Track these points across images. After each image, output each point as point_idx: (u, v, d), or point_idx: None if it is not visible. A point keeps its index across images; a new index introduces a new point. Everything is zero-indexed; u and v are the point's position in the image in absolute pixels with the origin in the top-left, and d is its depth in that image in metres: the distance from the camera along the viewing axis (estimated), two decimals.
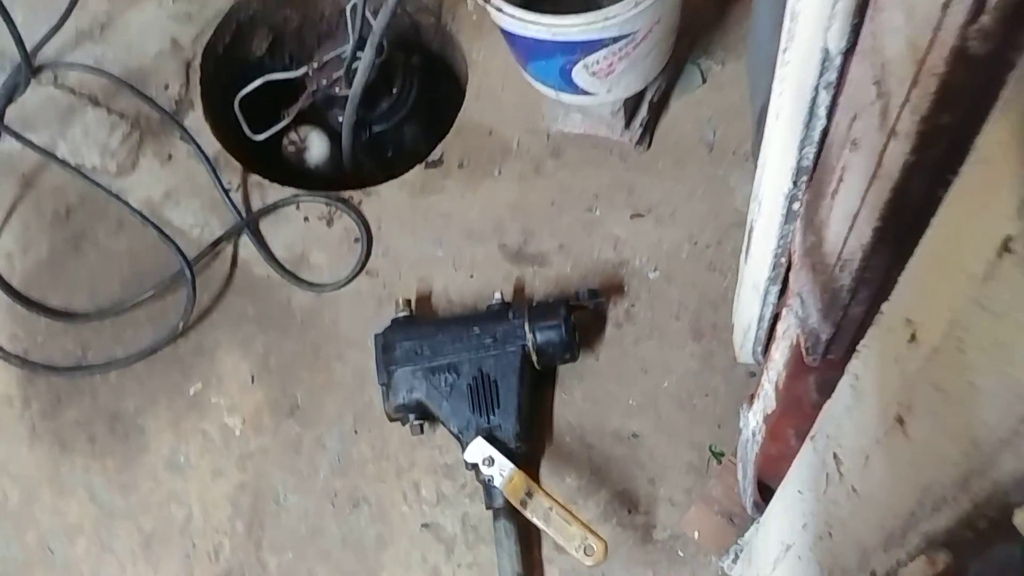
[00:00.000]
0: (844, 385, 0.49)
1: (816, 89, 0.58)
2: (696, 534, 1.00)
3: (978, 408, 0.33)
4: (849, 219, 0.48)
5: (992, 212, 0.28)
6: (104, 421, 1.14)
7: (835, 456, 0.50)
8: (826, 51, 0.55)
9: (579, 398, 1.08)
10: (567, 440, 1.07)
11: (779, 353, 0.68)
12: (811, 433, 0.55)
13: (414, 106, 1.35)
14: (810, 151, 0.63)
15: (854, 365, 0.47)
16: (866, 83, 0.45)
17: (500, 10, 0.91)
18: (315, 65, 1.30)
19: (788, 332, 0.64)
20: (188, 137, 1.25)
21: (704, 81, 1.19)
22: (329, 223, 1.21)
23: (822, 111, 0.58)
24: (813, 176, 0.61)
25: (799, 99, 0.61)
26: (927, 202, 0.37)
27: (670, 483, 1.03)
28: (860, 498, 0.49)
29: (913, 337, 0.38)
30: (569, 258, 1.14)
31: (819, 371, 0.60)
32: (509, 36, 0.99)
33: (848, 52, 0.51)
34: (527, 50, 0.99)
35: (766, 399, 0.73)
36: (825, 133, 0.58)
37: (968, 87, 0.35)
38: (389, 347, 1.06)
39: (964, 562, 0.39)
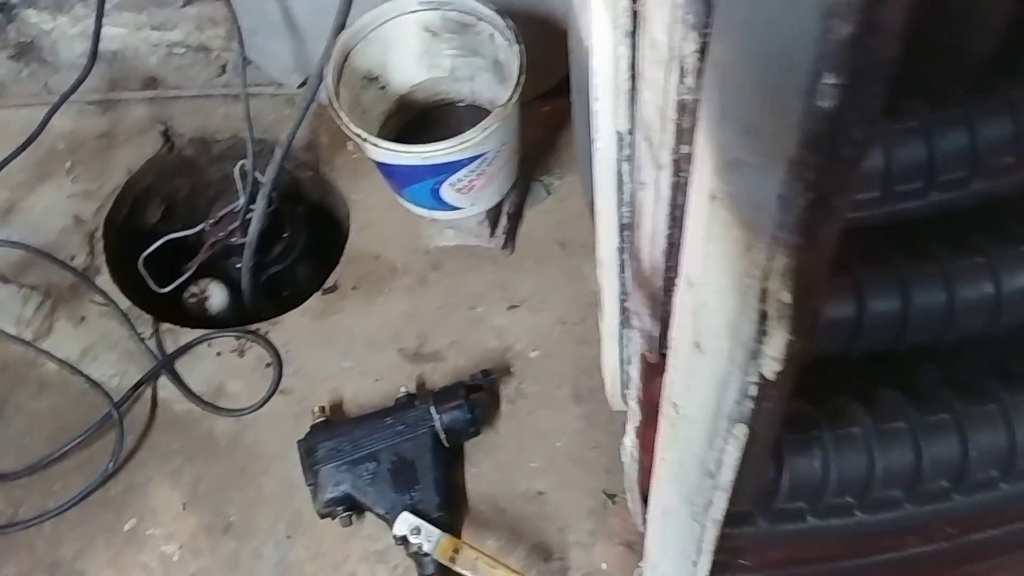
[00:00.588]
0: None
1: (619, 163, 0.81)
2: (604, 566, 1.14)
3: None
4: (651, 237, 0.68)
5: (705, 179, 0.49)
6: (44, 571, 1.20)
7: (674, 405, 0.68)
8: (619, 134, 0.77)
9: (487, 469, 1.23)
10: (482, 508, 1.21)
11: (633, 369, 0.87)
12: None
13: (305, 247, 1.53)
14: (626, 210, 0.85)
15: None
16: (642, 143, 0.67)
17: (377, 146, 1.12)
18: (211, 221, 1.47)
19: (635, 346, 0.83)
20: (100, 294, 1.37)
21: (549, 194, 1.43)
22: (241, 354, 1.35)
23: (626, 177, 0.80)
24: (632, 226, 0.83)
25: (610, 173, 0.83)
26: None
27: (576, 529, 1.19)
28: None
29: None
30: (461, 352, 1.31)
31: (661, 367, 0.80)
32: (385, 168, 1.20)
33: (631, 130, 0.74)
34: (402, 177, 1.20)
35: (632, 414, 0.92)
36: (632, 192, 0.79)
37: (690, 125, 0.56)
38: (312, 450, 1.19)
39: None
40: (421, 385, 1.29)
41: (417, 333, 1.33)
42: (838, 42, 0.36)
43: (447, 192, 1.19)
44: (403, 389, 1.24)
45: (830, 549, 0.84)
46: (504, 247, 1.37)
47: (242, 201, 1.41)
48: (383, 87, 1.27)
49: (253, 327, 1.37)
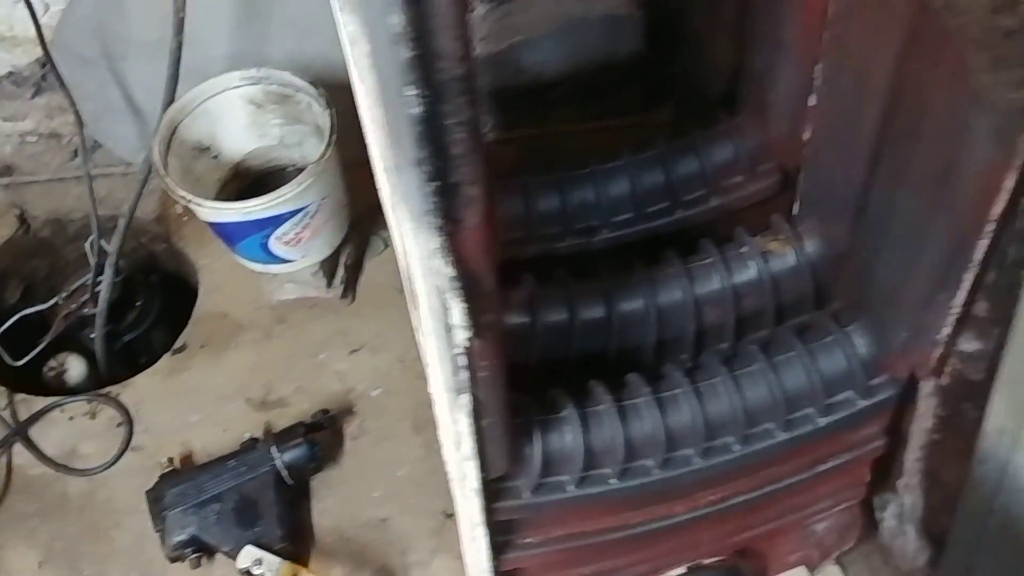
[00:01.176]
0: None
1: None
2: None
3: None
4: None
5: (384, 184, 0.62)
6: None
7: (431, 395, 0.80)
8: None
9: (332, 503, 1.32)
10: (328, 540, 1.29)
11: None
12: None
13: (159, 314, 1.61)
14: None
15: None
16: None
17: (201, 205, 1.23)
18: (64, 295, 1.55)
19: None
20: None
21: (386, 246, 1.56)
22: (92, 416, 1.41)
23: None
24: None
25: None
26: None
27: (418, 549, 1.28)
28: None
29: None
30: (306, 397, 1.41)
31: None
32: (216, 227, 1.31)
33: None
34: (232, 234, 1.31)
35: None
36: None
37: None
38: (159, 498, 1.26)
39: None
40: (267, 431, 1.37)
41: (263, 383, 1.43)
42: (406, 62, 0.50)
43: (275, 246, 1.31)
44: (247, 434, 1.32)
45: (600, 519, 0.96)
46: (344, 296, 1.48)
47: (92, 273, 1.49)
48: (215, 156, 1.39)
49: (104, 390, 1.44)
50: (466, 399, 0.73)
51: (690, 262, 1.00)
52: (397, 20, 0.48)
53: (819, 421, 0.93)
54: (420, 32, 0.49)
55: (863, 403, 0.93)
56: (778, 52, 0.99)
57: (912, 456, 1.06)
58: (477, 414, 0.75)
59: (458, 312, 0.65)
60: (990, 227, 0.75)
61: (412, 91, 0.52)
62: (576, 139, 1.64)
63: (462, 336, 0.67)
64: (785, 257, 1.00)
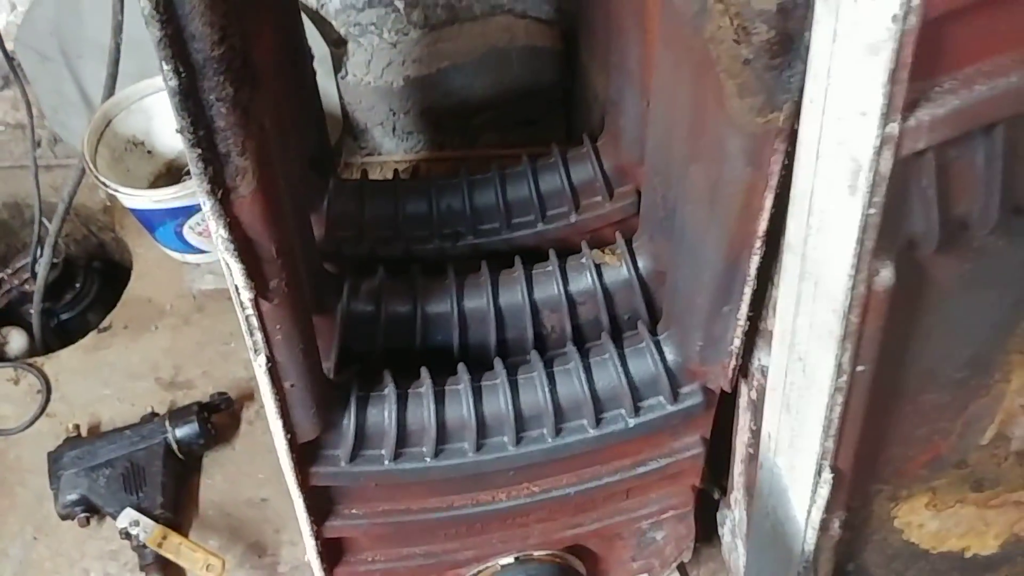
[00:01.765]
0: None
1: None
2: (306, 558, 1.31)
3: None
4: None
5: None
6: None
7: None
8: None
9: (220, 480, 1.41)
10: (210, 513, 1.37)
11: None
12: None
13: (97, 296, 1.72)
14: None
15: None
16: None
17: (117, 191, 1.34)
18: (9, 271, 1.66)
19: None
20: None
21: None
22: (16, 383, 1.52)
23: None
24: None
25: None
26: None
27: (291, 529, 1.35)
28: None
29: None
30: (211, 380, 1.50)
31: None
32: (135, 213, 1.42)
33: None
34: (148, 221, 1.42)
35: None
36: None
37: None
38: (58, 459, 1.35)
39: None
40: (170, 408, 1.46)
41: (174, 365, 1.52)
42: (157, 41, 0.60)
43: (190, 235, 1.41)
44: (149, 408, 1.42)
45: (421, 497, 1.03)
46: None
47: (31, 253, 1.61)
48: (149, 151, 1.50)
49: (30, 360, 1.54)
50: (263, 360, 0.82)
51: (531, 268, 1.09)
52: (145, 4, 0.58)
53: (629, 421, 1.00)
54: (170, 15, 0.59)
55: (671, 408, 1.00)
56: (626, 82, 1.09)
57: (736, 470, 1.13)
58: (275, 375, 0.84)
59: (238, 272, 0.74)
60: (759, 243, 0.83)
61: (166, 67, 0.61)
62: (502, 163, 1.74)
63: (246, 296, 0.76)
64: (618, 270, 1.08)
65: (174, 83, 0.62)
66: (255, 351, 0.82)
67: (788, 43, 0.70)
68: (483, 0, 1.57)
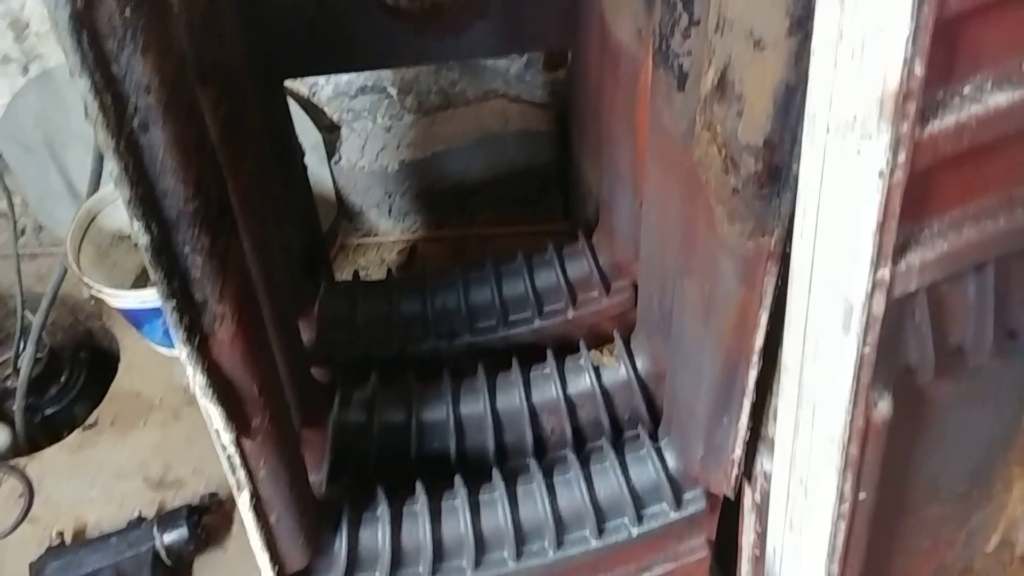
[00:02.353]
0: None
1: None
2: None
3: None
4: None
5: None
6: None
7: None
8: None
9: None
10: None
11: None
12: None
13: (84, 389, 1.72)
14: None
15: None
16: None
17: (101, 292, 1.35)
18: None
19: None
20: None
21: None
22: None
23: None
24: None
25: None
26: None
27: None
28: None
29: None
30: (202, 478, 1.49)
31: None
32: (122, 312, 1.42)
33: None
34: (136, 319, 1.42)
35: None
36: None
37: None
38: (40, 570, 1.33)
39: None
40: (159, 510, 1.45)
41: (163, 463, 1.51)
42: (127, 202, 0.61)
43: None
44: (136, 512, 1.40)
45: None
46: None
47: (15, 347, 1.61)
48: (135, 244, 1.51)
49: (12, 461, 1.53)
50: (246, 496, 0.81)
51: (528, 370, 1.09)
52: (113, 167, 0.59)
53: (633, 531, 1.00)
54: (140, 175, 0.60)
55: (675, 515, 1.00)
56: (618, 182, 1.09)
57: (743, 570, 1.11)
58: (260, 510, 0.83)
59: (218, 417, 0.74)
60: (756, 358, 0.83)
61: (137, 223, 0.62)
62: (500, 242, 1.75)
63: (227, 438, 0.76)
64: (617, 370, 1.08)
65: (146, 240, 0.63)
66: (238, 488, 0.81)
67: (776, 174, 0.71)
68: (476, 85, 1.59)
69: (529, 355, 1.14)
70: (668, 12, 0.81)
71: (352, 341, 1.15)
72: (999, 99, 0.57)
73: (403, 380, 1.10)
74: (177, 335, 0.68)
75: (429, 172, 1.68)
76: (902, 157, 0.57)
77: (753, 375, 0.85)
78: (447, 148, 1.66)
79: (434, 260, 1.75)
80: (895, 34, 0.53)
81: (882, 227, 0.60)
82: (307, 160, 1.49)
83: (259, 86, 1.10)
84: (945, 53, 0.56)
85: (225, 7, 0.92)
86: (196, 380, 0.71)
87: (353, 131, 1.64)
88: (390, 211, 1.73)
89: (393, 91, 1.60)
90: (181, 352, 0.69)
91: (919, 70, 0.54)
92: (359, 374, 1.11)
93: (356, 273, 1.27)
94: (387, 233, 1.76)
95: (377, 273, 1.69)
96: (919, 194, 0.61)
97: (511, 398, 1.08)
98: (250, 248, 0.84)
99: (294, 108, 1.55)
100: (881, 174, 0.58)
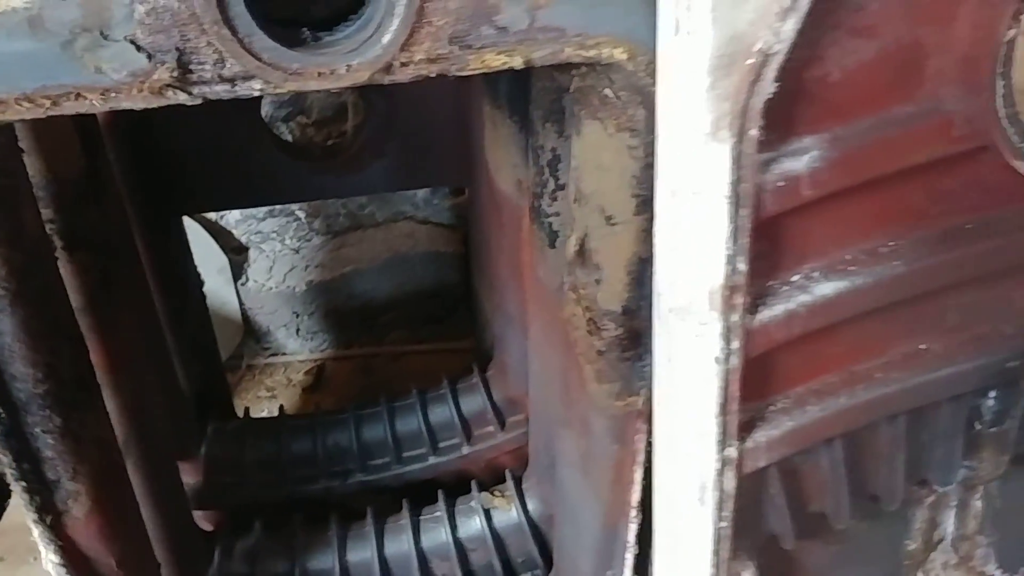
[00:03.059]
0: None
1: None
2: None
3: None
4: None
5: None
6: None
7: None
8: None
9: None
10: None
11: None
12: None
13: None
14: None
15: None
16: None
17: None
18: None
19: None
20: None
21: None
22: None
23: None
24: None
25: None
26: None
27: None
28: None
29: None
30: None
31: None
32: None
33: None
34: None
35: None
36: None
37: None
38: None
39: None
40: None
41: None
42: None
43: None
44: None
45: None
46: None
47: None
48: None
49: None
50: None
51: (419, 513, 1.08)
52: None
53: None
54: None
55: None
56: (508, 321, 1.12)
57: None
58: None
59: None
60: (634, 512, 0.84)
61: None
62: (409, 360, 1.76)
63: None
64: (509, 513, 1.08)
65: None
66: None
67: (637, 338, 0.73)
68: (385, 208, 1.62)
69: (423, 493, 1.13)
70: (538, 174, 0.84)
71: (239, 484, 1.13)
72: (826, 288, 0.61)
73: (290, 526, 1.09)
74: (29, 515, 0.67)
75: (338, 292, 1.69)
76: (735, 344, 0.60)
77: (633, 529, 0.86)
78: (356, 269, 1.67)
79: (342, 380, 1.75)
80: (716, 233, 0.56)
81: (724, 408, 0.62)
82: (214, 282, 1.49)
83: (153, 224, 1.11)
84: (771, 248, 0.59)
85: (107, 161, 0.93)
86: (49, 559, 0.69)
87: (262, 252, 1.65)
88: (298, 331, 1.73)
89: (301, 214, 1.61)
90: (34, 531, 0.68)
91: (742, 266, 0.57)
92: (245, 519, 1.09)
93: (247, 410, 1.26)
94: (295, 353, 1.75)
95: (284, 394, 1.68)
96: (760, 375, 0.64)
97: (400, 544, 1.07)
98: (121, 405, 0.84)
99: (200, 232, 1.56)
100: (718, 360, 0.61)
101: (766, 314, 0.60)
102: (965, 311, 0.65)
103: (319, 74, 0.57)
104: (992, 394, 0.70)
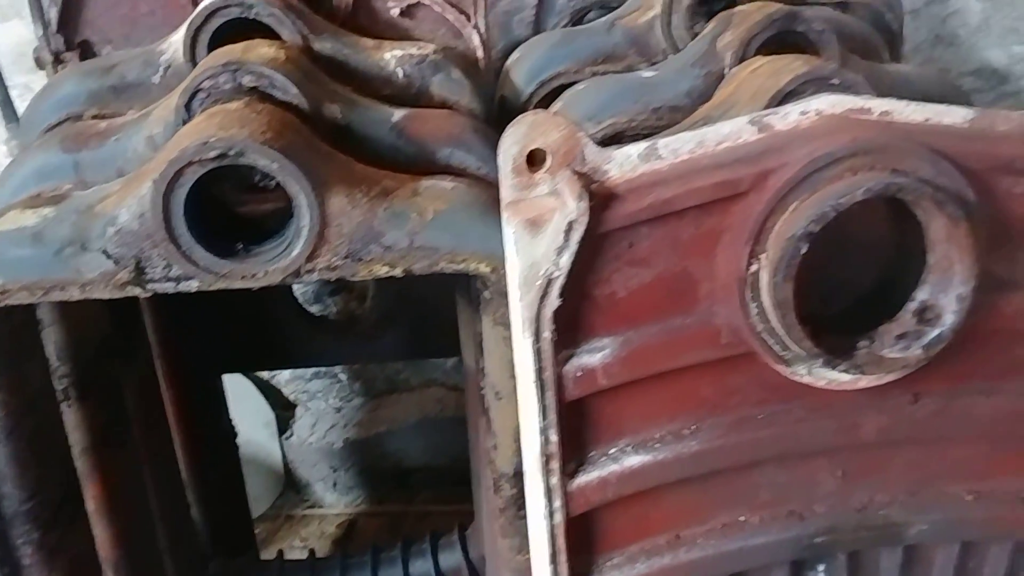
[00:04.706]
0: None
1: None
2: None
3: None
4: None
5: None
6: None
7: None
8: None
9: None
10: None
11: None
12: None
13: None
14: None
15: None
16: None
17: None
18: None
19: None
20: None
21: None
22: None
23: None
24: None
25: None
26: None
27: None
28: None
29: None
30: None
31: None
32: None
33: None
34: None
35: None
36: None
37: None
38: None
39: None
40: None
41: None
42: None
43: None
44: None
45: None
46: None
47: None
48: None
49: None
50: None
51: None
52: None
53: None
54: None
55: None
56: (481, 488, 1.27)
57: None
58: None
59: None
60: None
61: None
62: (437, 519, 1.90)
63: None
64: None
65: None
66: None
67: None
68: (418, 374, 1.83)
69: None
70: (477, 354, 1.02)
71: None
72: (633, 460, 0.75)
73: None
74: None
75: (373, 450, 1.88)
76: (557, 503, 0.75)
77: None
78: (390, 429, 1.87)
79: (371, 534, 1.91)
80: (531, 410, 0.72)
81: (554, 558, 0.76)
82: (259, 435, 1.71)
83: (184, 380, 1.34)
84: (586, 423, 0.75)
85: (142, 325, 1.17)
86: None
87: (308, 410, 1.87)
88: (335, 485, 1.91)
89: (344, 376, 1.84)
90: None
91: (554, 437, 0.73)
92: None
93: (280, 552, 1.44)
94: (331, 506, 1.93)
95: (316, 545, 1.85)
96: (588, 530, 0.77)
97: None
98: (116, 532, 1.03)
99: (250, 388, 1.80)
100: (544, 516, 0.75)
101: (583, 479, 0.75)
102: (776, 488, 0.77)
103: (242, 276, 0.78)
104: (820, 567, 0.81)
